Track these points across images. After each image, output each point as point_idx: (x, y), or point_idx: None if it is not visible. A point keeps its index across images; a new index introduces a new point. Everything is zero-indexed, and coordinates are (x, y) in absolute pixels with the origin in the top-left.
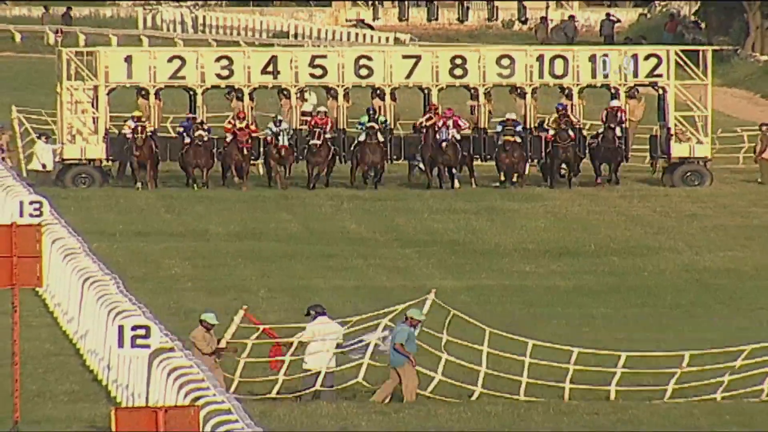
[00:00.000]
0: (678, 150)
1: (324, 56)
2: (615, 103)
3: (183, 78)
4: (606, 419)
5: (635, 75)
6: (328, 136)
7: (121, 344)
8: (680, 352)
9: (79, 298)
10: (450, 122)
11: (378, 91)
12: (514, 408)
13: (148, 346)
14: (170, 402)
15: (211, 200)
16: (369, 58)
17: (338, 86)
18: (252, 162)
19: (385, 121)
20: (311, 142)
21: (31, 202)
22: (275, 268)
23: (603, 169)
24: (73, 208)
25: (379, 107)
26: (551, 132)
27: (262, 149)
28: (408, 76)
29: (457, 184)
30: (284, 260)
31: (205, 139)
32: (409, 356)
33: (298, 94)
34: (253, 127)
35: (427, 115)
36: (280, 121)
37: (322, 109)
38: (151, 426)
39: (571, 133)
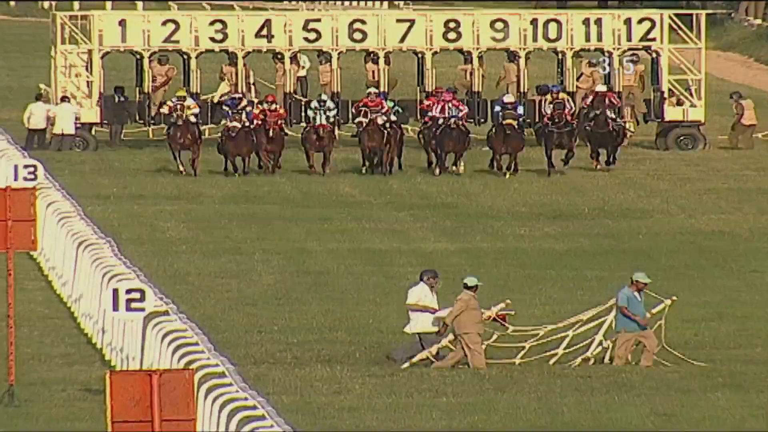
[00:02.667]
0: (671, 113)
1: (318, 20)
2: (601, 87)
3: (177, 42)
4: (599, 382)
5: (629, 39)
6: (380, 120)
7: (115, 308)
8: None
9: (73, 262)
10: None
11: (372, 55)
12: (508, 371)
13: (142, 310)
14: (164, 365)
15: (206, 163)
16: (363, 22)
17: (332, 50)
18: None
19: (396, 104)
20: (357, 120)
21: (26, 166)
22: (270, 231)
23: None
24: (67, 171)
25: (373, 71)
26: (546, 115)
27: (302, 135)
28: (402, 40)
29: (462, 168)
30: (279, 223)
31: (238, 127)
32: (636, 319)
33: (292, 59)
34: (282, 111)
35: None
36: (324, 101)
37: (373, 90)
38: (145, 389)
39: (568, 117)
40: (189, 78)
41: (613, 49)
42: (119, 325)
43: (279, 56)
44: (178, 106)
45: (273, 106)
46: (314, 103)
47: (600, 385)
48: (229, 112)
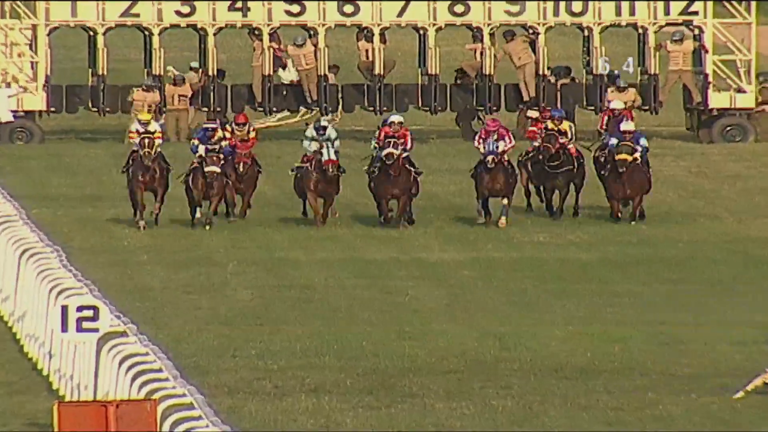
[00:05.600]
0: (717, 100)
1: None
2: (618, 104)
3: (137, 16)
4: (633, 415)
5: (666, 12)
6: (405, 153)
7: (64, 328)
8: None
9: (15, 274)
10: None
11: (365, 32)
12: (526, 402)
13: (96, 330)
14: (122, 395)
15: (171, 158)
16: None
17: (319, 26)
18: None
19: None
20: (384, 152)
21: None
22: (247, 238)
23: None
24: (9, 168)
25: (366, 51)
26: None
27: (292, 174)
28: (400, 14)
29: (503, 221)
30: (257, 228)
31: (218, 172)
32: None
33: (272, 35)
34: (252, 135)
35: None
36: (324, 127)
37: (397, 118)
38: (100, 423)
39: (571, 150)
40: (150, 58)
41: (649, 24)
42: (69, 349)
43: (256, 32)
44: (146, 141)
45: (245, 130)
46: (310, 131)
47: (634, 419)
48: (198, 146)
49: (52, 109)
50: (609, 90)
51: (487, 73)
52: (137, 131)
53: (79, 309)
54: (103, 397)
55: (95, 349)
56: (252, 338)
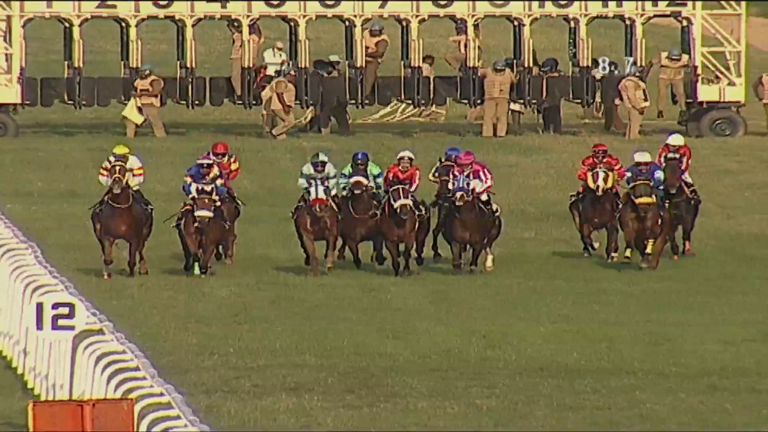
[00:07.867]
0: (706, 93)
1: None
2: (677, 140)
3: (113, 7)
4: (620, 415)
5: (654, 3)
6: (406, 201)
7: (39, 325)
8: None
9: None
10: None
11: (347, 23)
12: (511, 402)
13: (72, 328)
14: (99, 394)
15: (150, 152)
16: None
17: (299, 17)
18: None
19: (380, 174)
20: (397, 204)
21: None
22: None
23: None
24: None
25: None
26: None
27: (293, 215)
28: (382, 5)
29: (489, 263)
30: (237, 225)
31: (210, 217)
32: None
33: (251, 27)
34: (235, 167)
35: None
36: (323, 163)
37: (407, 154)
38: (75, 423)
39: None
40: (128, 50)
41: (636, 16)
42: (44, 347)
43: (236, 24)
44: (117, 168)
45: (223, 161)
46: (307, 168)
47: (622, 418)
48: (191, 186)
49: (27, 102)
50: (625, 81)
51: (471, 65)
52: (107, 168)
53: (55, 306)
54: (79, 396)
55: (71, 347)
56: (231, 336)
